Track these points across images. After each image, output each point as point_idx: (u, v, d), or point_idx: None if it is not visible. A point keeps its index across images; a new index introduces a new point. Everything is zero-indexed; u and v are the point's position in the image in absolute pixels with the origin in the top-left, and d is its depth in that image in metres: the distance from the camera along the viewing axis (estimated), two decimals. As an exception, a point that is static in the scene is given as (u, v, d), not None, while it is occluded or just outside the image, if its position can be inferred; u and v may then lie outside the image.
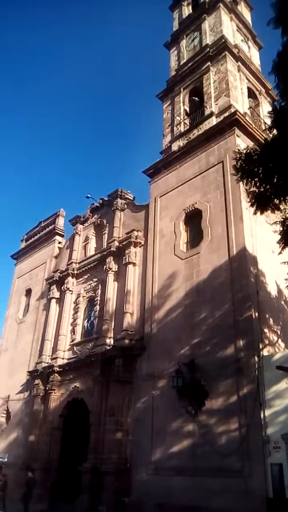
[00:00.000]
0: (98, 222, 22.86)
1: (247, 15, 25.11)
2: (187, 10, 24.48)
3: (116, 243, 20.13)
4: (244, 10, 24.92)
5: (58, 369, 20.24)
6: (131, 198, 21.77)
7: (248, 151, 10.18)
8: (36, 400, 20.96)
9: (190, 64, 21.31)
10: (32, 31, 69.36)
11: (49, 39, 70.06)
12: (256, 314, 13.53)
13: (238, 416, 12.63)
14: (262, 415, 11.94)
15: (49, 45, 70.21)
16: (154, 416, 15.18)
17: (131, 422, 16.08)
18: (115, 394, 16.69)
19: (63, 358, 20.75)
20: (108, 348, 17.85)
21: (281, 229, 10.91)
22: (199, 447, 13.37)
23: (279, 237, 11.40)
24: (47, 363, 21.24)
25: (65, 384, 19.94)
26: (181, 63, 22.39)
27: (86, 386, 18.44)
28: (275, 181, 9.75)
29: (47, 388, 20.52)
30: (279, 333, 14.35)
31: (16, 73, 69.23)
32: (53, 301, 23.16)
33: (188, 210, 17.51)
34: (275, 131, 9.73)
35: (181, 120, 20.58)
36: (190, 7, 24.60)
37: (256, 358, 12.72)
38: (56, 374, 20.26)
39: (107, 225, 21.91)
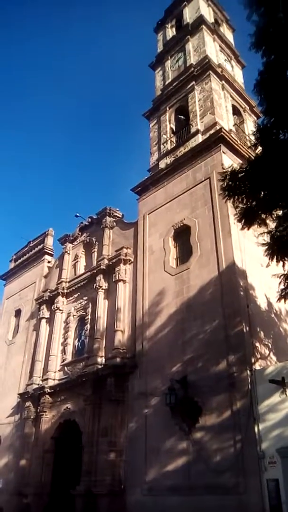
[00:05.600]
0: (87, 240, 22.86)
1: (229, 35, 25.78)
2: (171, 32, 25.06)
3: (106, 261, 20.10)
4: (226, 31, 25.61)
5: (49, 391, 19.90)
6: (120, 216, 21.84)
7: (233, 169, 10.37)
8: (27, 423, 20.57)
9: (175, 83, 21.72)
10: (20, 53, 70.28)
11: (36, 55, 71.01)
12: (247, 328, 13.54)
13: (232, 432, 12.51)
14: (256, 430, 11.85)
15: (39, 61, 71.12)
16: (148, 435, 14.95)
17: (125, 442, 15.81)
18: (108, 414, 16.46)
19: (54, 379, 20.43)
20: (100, 367, 17.64)
21: (269, 241, 10.98)
22: (194, 465, 13.18)
23: (266, 248, 11.37)
24: (38, 384, 20.87)
25: (57, 406, 19.61)
26: (166, 83, 22.80)
27: (78, 406, 18.16)
28: (261, 196, 9.92)
29: (38, 410, 20.15)
30: (270, 346, 14.34)
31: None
32: (43, 321, 22.91)
33: (177, 226, 17.61)
34: (260, 148, 9.94)
35: (168, 138, 20.88)
36: (173, 29, 25.21)
37: (248, 372, 12.68)
38: (47, 396, 19.93)
39: (97, 243, 21.89)
